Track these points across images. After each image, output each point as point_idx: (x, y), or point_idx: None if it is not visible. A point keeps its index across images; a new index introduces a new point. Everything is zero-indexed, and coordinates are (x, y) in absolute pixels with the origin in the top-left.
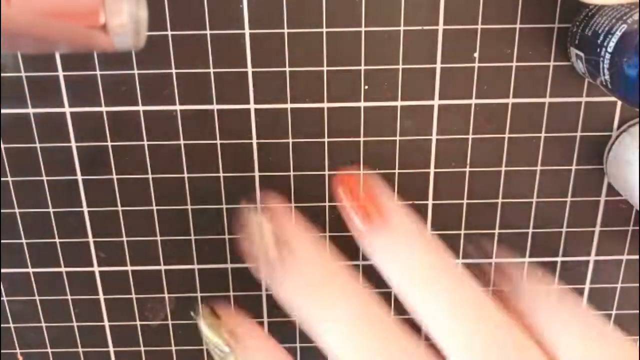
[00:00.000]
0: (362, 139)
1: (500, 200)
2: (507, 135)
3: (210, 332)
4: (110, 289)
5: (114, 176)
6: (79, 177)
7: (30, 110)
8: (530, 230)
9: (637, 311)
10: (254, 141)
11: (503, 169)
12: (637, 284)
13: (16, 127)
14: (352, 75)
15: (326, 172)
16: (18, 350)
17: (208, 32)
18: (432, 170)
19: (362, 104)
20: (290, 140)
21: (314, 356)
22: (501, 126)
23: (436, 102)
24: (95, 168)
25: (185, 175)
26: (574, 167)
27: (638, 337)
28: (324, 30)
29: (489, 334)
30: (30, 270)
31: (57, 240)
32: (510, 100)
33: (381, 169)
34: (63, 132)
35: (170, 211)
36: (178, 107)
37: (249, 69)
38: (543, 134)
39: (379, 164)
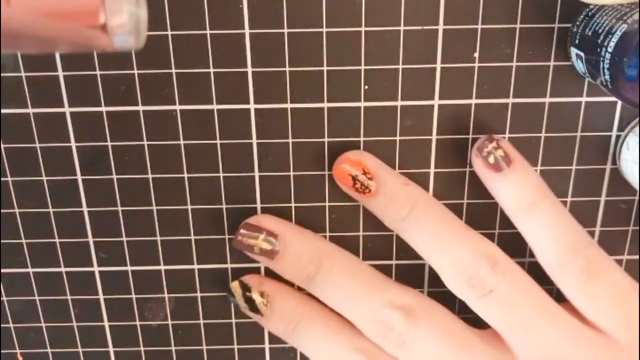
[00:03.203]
0: (362, 139)
1: None
2: (507, 135)
3: (244, 301)
4: (110, 289)
5: (114, 176)
6: (79, 177)
7: (30, 110)
8: None
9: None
10: (254, 141)
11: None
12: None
13: (16, 127)
14: (352, 75)
15: (326, 172)
16: (18, 350)
17: (208, 32)
18: (432, 170)
19: (362, 104)
20: (290, 140)
21: None
22: (501, 126)
23: (436, 102)
24: (95, 168)
25: (185, 175)
26: (573, 167)
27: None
28: (324, 30)
29: None
30: (30, 270)
31: (57, 240)
32: (510, 100)
33: None
34: (63, 132)
35: (170, 211)
36: (178, 107)
37: (249, 69)
38: (543, 134)
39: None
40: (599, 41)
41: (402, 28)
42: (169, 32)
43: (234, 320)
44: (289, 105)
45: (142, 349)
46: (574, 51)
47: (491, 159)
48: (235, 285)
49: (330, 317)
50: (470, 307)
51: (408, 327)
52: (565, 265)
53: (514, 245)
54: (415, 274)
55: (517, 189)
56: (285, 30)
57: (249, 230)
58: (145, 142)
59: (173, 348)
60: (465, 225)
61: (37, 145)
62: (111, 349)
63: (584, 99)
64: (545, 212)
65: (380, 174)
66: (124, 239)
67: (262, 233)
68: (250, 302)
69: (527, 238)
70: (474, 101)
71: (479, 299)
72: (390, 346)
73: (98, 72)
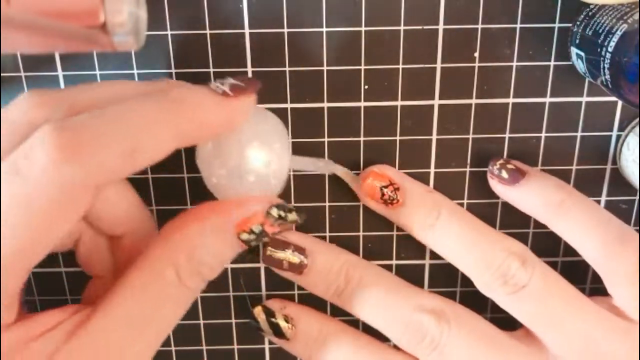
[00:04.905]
0: (362, 138)
1: (500, 200)
2: (507, 135)
3: (269, 326)
4: None
5: None
6: None
7: None
8: (531, 230)
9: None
10: None
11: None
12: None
13: None
14: (352, 75)
15: (326, 172)
16: None
17: (208, 32)
18: (432, 170)
19: (362, 104)
20: (291, 140)
21: None
22: (501, 126)
23: (436, 102)
24: None
25: (185, 175)
26: (574, 167)
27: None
28: (324, 30)
29: None
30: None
31: None
32: (511, 100)
33: None
34: None
35: (170, 211)
36: None
37: (249, 69)
38: (543, 134)
39: (379, 164)
40: (599, 41)
41: (402, 28)
42: (169, 32)
43: (233, 320)
44: (288, 105)
45: None
46: (574, 51)
47: (504, 174)
48: (258, 311)
49: (356, 334)
50: (500, 305)
51: (441, 330)
52: (613, 260)
53: None
54: (415, 274)
55: (541, 192)
56: (285, 30)
57: (277, 245)
58: None
59: (173, 348)
60: (488, 226)
61: None
62: None
63: (584, 99)
64: (576, 208)
65: (405, 184)
66: None
67: (289, 248)
68: (274, 327)
69: (567, 237)
70: (474, 101)
71: (510, 295)
72: (423, 352)
73: (98, 72)
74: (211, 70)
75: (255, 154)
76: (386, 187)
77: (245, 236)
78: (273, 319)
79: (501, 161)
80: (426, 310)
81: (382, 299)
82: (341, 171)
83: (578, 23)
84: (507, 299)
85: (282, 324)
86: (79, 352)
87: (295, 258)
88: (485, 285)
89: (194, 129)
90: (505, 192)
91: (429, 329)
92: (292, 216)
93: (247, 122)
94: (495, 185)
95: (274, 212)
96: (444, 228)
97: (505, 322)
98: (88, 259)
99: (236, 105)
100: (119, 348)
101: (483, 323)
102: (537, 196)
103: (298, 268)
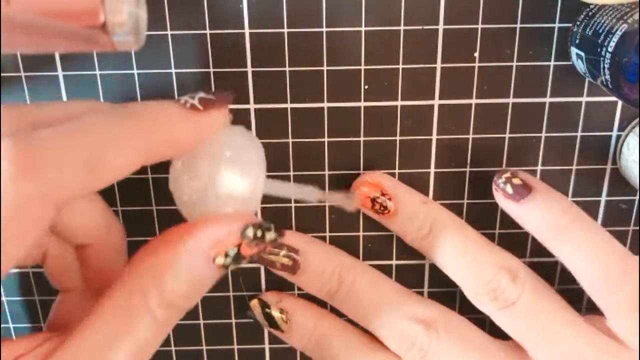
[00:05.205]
0: (362, 138)
1: None
2: (507, 135)
3: (264, 318)
4: None
5: None
6: None
7: None
8: None
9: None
10: None
11: (503, 169)
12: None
13: None
14: (352, 75)
15: (326, 172)
16: None
17: (208, 32)
18: (432, 170)
19: (362, 104)
20: (290, 140)
21: None
22: (501, 126)
23: (436, 102)
24: None
25: None
26: (574, 167)
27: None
28: (324, 30)
29: None
30: (30, 270)
31: None
32: (511, 100)
33: (381, 169)
34: None
35: (170, 211)
36: None
37: (249, 69)
38: (543, 134)
39: (379, 164)
40: (599, 41)
41: (402, 28)
42: (169, 32)
43: (234, 321)
44: (288, 105)
45: None
46: (574, 51)
47: (509, 189)
48: (254, 303)
49: (350, 330)
50: (492, 318)
51: (430, 339)
52: (613, 294)
53: (514, 245)
54: (415, 274)
55: (544, 214)
56: (285, 30)
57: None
58: None
59: (173, 348)
60: (485, 238)
61: None
62: None
63: (584, 99)
64: (579, 235)
65: (398, 193)
66: None
67: (283, 249)
68: (269, 318)
69: (566, 264)
70: (474, 101)
71: (500, 310)
72: (413, 358)
73: (98, 72)
74: (211, 70)
75: (228, 167)
76: (377, 198)
77: (220, 260)
78: (268, 311)
79: (507, 174)
80: (417, 319)
81: (373, 303)
82: (331, 198)
83: (578, 23)
84: (497, 314)
85: (277, 315)
86: None
87: (287, 260)
88: (476, 299)
89: (160, 143)
90: (508, 207)
91: (418, 337)
92: (270, 235)
93: (219, 136)
94: (498, 197)
95: (250, 231)
96: (435, 240)
97: None
98: (56, 272)
99: (205, 119)
100: None
101: (474, 332)
102: (538, 217)
103: (291, 269)
